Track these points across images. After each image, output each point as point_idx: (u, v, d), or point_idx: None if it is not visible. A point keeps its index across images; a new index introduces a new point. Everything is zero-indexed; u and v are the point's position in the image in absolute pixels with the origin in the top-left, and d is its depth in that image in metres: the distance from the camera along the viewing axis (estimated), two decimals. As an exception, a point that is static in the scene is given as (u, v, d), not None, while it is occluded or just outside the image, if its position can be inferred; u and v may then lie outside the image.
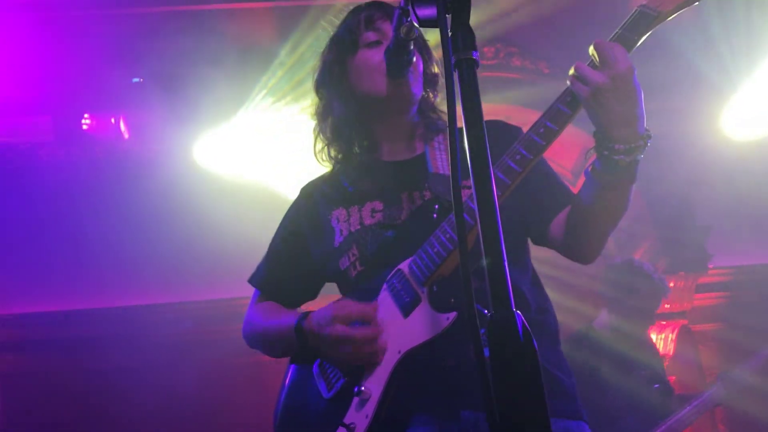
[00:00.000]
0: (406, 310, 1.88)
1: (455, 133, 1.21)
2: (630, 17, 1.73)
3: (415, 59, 2.09)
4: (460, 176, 1.17)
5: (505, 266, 1.07)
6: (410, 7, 1.35)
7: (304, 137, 2.46)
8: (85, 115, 5.30)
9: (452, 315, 1.79)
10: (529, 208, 2.02)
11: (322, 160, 2.27)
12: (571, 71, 1.70)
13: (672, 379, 5.98)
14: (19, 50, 5.11)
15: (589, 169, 1.77)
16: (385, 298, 1.95)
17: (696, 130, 5.39)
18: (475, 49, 1.26)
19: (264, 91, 5.20)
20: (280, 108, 5.22)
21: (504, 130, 2.18)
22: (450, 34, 1.28)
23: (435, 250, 1.85)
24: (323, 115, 2.26)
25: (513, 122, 6.16)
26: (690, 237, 5.60)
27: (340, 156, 2.23)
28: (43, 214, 5.71)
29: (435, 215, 1.94)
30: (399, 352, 1.85)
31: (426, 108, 2.23)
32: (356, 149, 2.20)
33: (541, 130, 1.75)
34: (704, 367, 5.98)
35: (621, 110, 1.65)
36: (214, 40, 5.30)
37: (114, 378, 5.52)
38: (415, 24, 1.36)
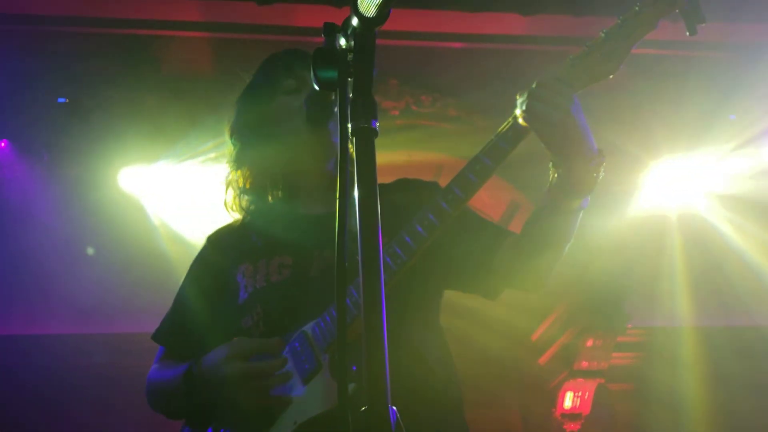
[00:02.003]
0: (306, 377, 1.81)
1: (345, 209, 1.15)
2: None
3: (336, 109, 2.03)
4: (346, 256, 1.12)
5: (385, 359, 1.02)
6: (311, 68, 1.30)
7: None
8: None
9: (351, 386, 1.68)
10: (462, 257, 1.95)
11: (232, 210, 2.16)
12: (523, 115, 1.72)
13: (586, 437, 6.05)
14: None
15: (549, 198, 1.78)
16: (285, 363, 1.86)
17: (616, 199, 5.52)
18: (375, 118, 1.22)
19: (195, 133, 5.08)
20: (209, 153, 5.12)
21: (420, 187, 2.13)
22: (350, 100, 1.24)
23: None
24: (237, 163, 2.15)
25: (445, 172, 6.17)
26: (609, 297, 5.69)
27: (252, 207, 2.12)
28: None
29: None
30: (294, 422, 1.77)
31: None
32: (270, 199, 2.10)
33: (477, 167, 1.77)
34: (619, 427, 6.05)
35: (577, 133, 1.69)
36: (148, 66, 5.19)
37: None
38: (315, 86, 1.31)
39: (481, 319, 5.31)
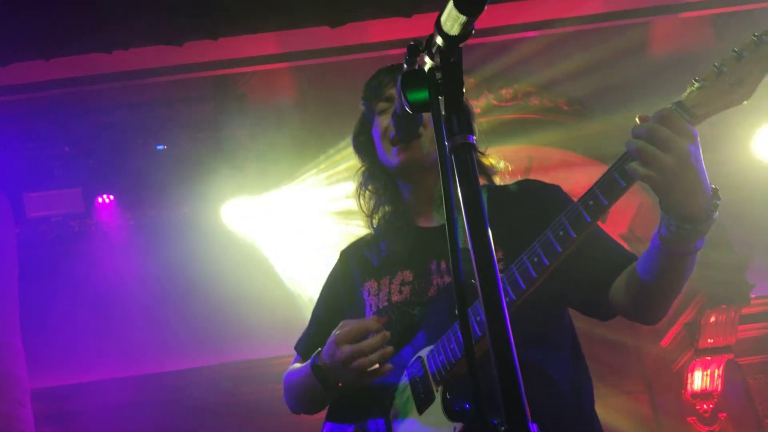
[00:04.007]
0: (421, 406, 1.84)
1: (455, 230, 1.16)
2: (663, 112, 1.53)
3: (420, 124, 2.06)
4: (462, 275, 1.13)
5: (518, 378, 1.02)
6: (400, 93, 1.33)
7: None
8: (105, 195, 5.36)
9: (459, 426, 1.73)
10: (580, 278, 1.88)
11: (366, 226, 2.27)
12: (636, 163, 1.50)
13: (722, 416, 5.78)
14: (48, 125, 5.26)
15: (660, 243, 1.61)
16: (404, 387, 1.92)
17: (728, 155, 5.27)
18: (471, 132, 1.23)
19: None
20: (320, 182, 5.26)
21: (542, 192, 2.08)
22: (444, 117, 1.25)
23: (451, 346, 1.80)
24: (362, 186, 2.27)
25: (536, 162, 6.04)
26: (728, 268, 5.42)
27: (381, 222, 2.22)
28: (73, 283, 5.79)
29: (456, 309, 1.86)
30: None
31: None
32: (390, 215, 2.19)
33: (590, 203, 1.59)
34: (755, 402, 5.75)
35: (692, 179, 1.50)
36: (236, 102, 5.38)
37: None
38: (408, 110, 1.33)
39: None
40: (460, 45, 1.23)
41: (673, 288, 1.73)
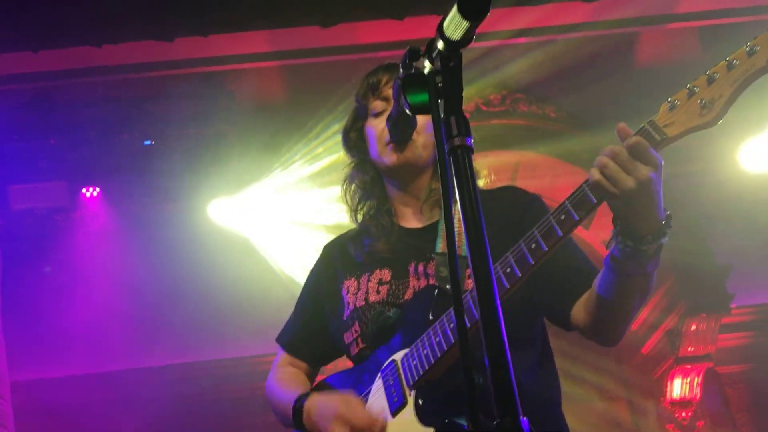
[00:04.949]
0: (394, 411, 1.85)
1: (452, 229, 1.18)
2: (636, 133, 1.57)
3: (419, 123, 2.07)
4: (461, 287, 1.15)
5: (511, 375, 1.04)
6: (402, 95, 1.34)
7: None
8: (90, 188, 5.33)
9: (431, 431, 1.76)
10: (550, 289, 1.90)
11: (354, 223, 2.28)
12: (598, 172, 1.55)
13: (700, 424, 5.84)
14: (33, 118, 5.22)
15: (610, 260, 1.65)
16: (378, 389, 1.93)
17: (714, 167, 5.34)
18: (469, 135, 1.24)
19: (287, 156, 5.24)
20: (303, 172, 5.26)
21: (523, 200, 2.09)
22: (443, 119, 1.26)
23: (425, 351, 1.81)
24: (348, 180, 2.28)
25: (522, 168, 6.08)
26: (709, 278, 5.49)
27: (367, 218, 2.23)
28: (57, 276, 5.75)
29: (431, 314, 1.87)
30: None
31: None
32: (374, 213, 2.20)
33: (562, 217, 1.61)
34: (733, 411, 5.83)
35: (647, 203, 1.55)
36: (225, 100, 5.37)
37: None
38: (408, 112, 1.35)
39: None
40: (461, 50, 1.25)
41: (626, 308, 1.75)
